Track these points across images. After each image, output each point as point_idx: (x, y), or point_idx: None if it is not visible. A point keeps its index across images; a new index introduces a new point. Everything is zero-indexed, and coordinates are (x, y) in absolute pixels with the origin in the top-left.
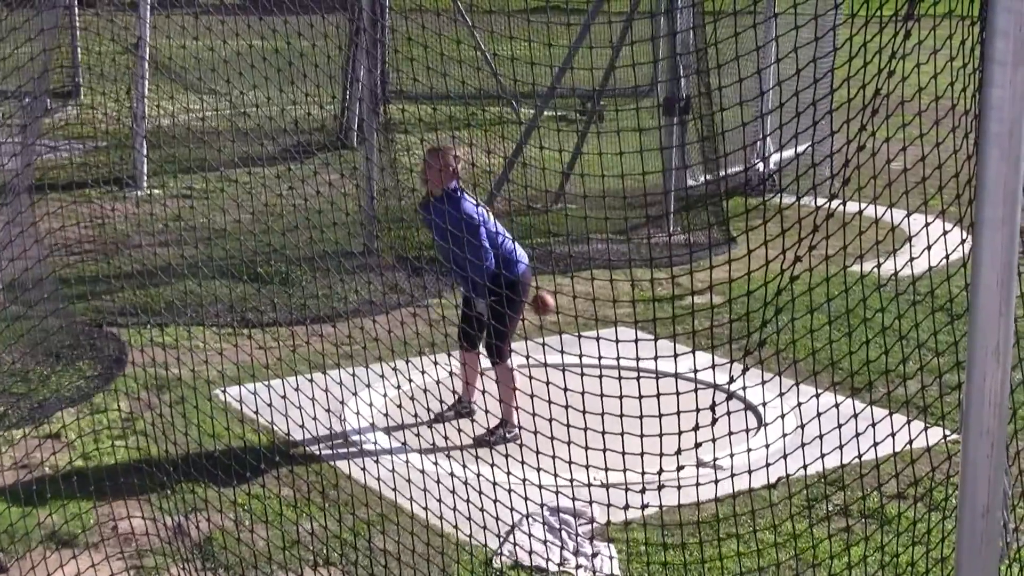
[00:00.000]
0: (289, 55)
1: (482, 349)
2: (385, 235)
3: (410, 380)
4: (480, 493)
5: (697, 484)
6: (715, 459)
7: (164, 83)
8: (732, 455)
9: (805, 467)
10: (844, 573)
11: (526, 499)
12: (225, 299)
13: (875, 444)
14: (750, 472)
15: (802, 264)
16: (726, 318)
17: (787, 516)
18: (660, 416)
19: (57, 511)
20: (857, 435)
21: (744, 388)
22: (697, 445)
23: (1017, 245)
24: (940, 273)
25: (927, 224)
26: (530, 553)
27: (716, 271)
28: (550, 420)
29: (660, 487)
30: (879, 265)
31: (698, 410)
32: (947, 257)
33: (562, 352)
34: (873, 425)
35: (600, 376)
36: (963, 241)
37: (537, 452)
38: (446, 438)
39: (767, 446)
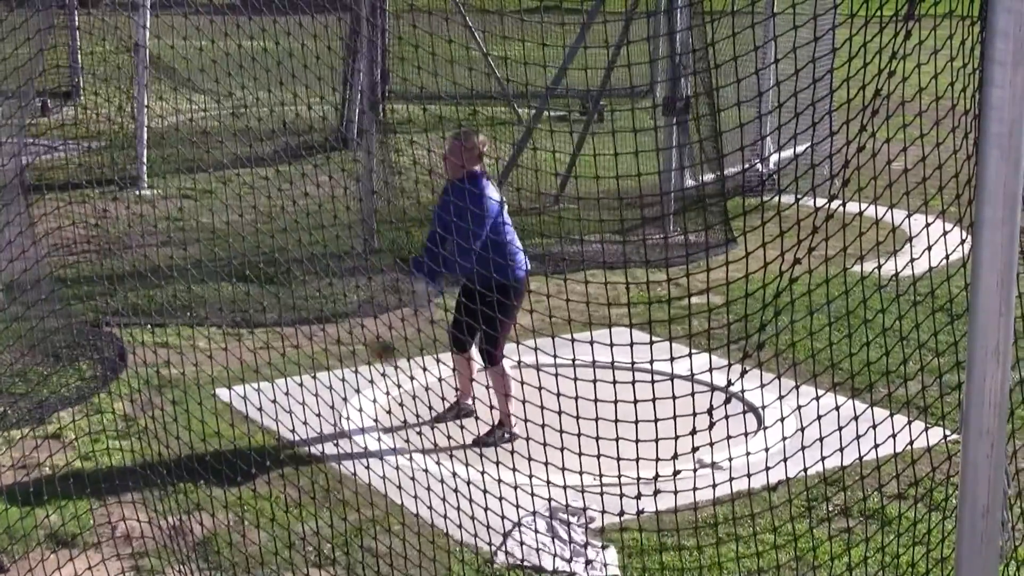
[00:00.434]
0: (304, 55)
1: (475, 352)
2: (385, 234)
3: (412, 378)
4: (485, 492)
5: (695, 488)
6: (712, 462)
7: (170, 84)
8: (731, 459)
9: (805, 470)
10: (845, 574)
11: (527, 500)
12: (226, 298)
13: (876, 446)
14: (749, 475)
15: (802, 266)
16: (728, 319)
17: (788, 518)
18: (656, 423)
19: (57, 511)
20: (858, 437)
21: (743, 392)
22: (694, 450)
23: (1017, 245)
24: (940, 273)
25: (927, 225)
26: (530, 554)
27: (717, 272)
28: (542, 425)
29: (656, 492)
30: (879, 266)
31: (695, 415)
32: (947, 257)
33: (555, 355)
34: (874, 426)
35: (594, 381)
36: (963, 241)
37: (533, 455)
38: (449, 437)
39: (767, 450)
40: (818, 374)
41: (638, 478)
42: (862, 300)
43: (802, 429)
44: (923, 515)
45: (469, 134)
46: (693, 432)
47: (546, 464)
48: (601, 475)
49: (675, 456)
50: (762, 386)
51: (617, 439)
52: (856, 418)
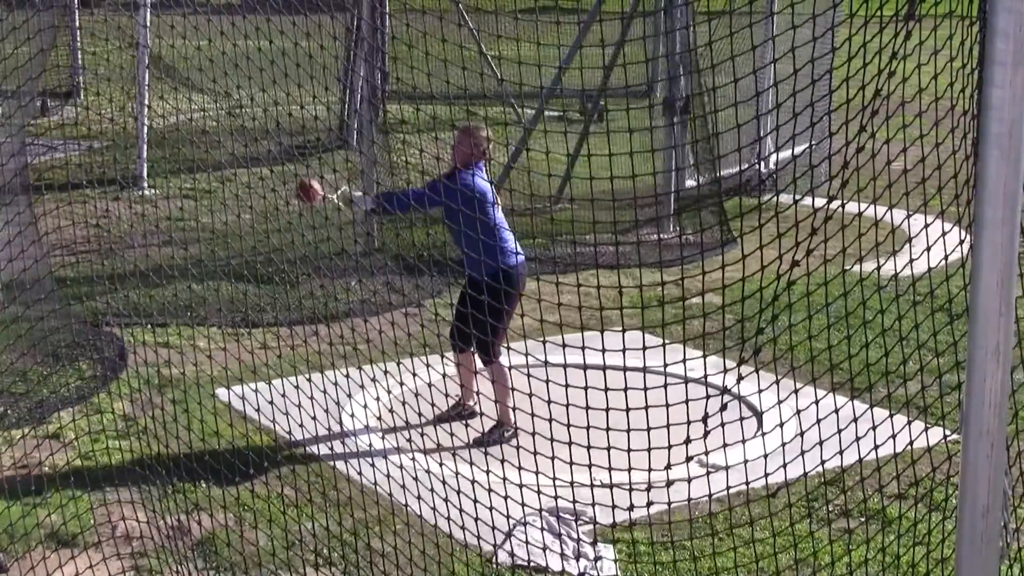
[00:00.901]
0: (310, 52)
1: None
2: (386, 233)
3: (415, 375)
4: (489, 490)
5: (690, 487)
6: (710, 464)
7: (172, 84)
8: (728, 464)
9: (805, 473)
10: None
11: (528, 500)
12: (226, 298)
13: (876, 446)
14: (747, 478)
15: (802, 267)
16: (728, 320)
17: (787, 518)
18: (649, 428)
19: (57, 511)
20: (857, 438)
21: (741, 396)
22: (690, 458)
23: (1017, 245)
24: (940, 274)
25: (927, 225)
26: (530, 554)
27: (715, 273)
28: (550, 420)
29: (649, 491)
30: (879, 267)
31: (690, 421)
32: (947, 258)
33: (544, 357)
34: (874, 427)
35: (586, 387)
36: (963, 241)
37: (533, 453)
38: (452, 435)
39: (765, 456)
40: (817, 378)
41: (630, 484)
42: (862, 301)
43: (801, 433)
44: (923, 515)
45: (478, 126)
46: (705, 435)
47: (552, 459)
48: (598, 478)
49: (669, 464)
50: (759, 391)
51: (609, 447)
52: (855, 420)
